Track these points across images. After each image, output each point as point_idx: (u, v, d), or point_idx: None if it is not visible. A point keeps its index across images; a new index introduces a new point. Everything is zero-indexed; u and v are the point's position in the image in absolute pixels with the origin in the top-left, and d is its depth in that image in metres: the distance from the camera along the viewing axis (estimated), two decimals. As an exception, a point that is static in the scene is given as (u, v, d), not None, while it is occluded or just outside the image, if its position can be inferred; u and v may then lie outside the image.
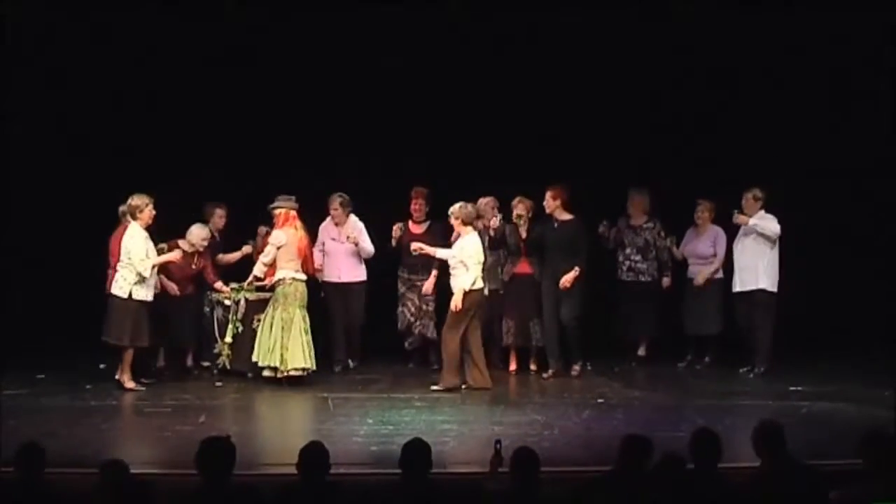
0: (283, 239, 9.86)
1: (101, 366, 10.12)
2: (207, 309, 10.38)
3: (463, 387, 9.70)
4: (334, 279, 10.60)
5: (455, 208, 9.78)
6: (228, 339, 10.18)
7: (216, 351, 10.26)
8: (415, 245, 10.10)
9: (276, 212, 9.94)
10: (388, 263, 10.74)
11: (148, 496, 5.19)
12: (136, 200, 9.62)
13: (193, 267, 10.31)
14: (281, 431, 8.44)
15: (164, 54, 11.08)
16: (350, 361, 10.67)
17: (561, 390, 9.78)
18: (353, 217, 10.55)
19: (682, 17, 10.76)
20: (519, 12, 10.98)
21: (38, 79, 10.98)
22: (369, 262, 10.68)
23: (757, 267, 10.26)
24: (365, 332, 10.78)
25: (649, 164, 11.30)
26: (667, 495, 5.28)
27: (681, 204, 10.84)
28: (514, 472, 5.40)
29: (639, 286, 10.77)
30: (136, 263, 9.52)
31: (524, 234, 10.37)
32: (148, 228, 9.69)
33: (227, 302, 10.24)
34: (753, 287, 10.28)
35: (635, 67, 11.32)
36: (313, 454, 5.36)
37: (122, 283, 9.57)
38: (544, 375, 10.29)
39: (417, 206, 10.60)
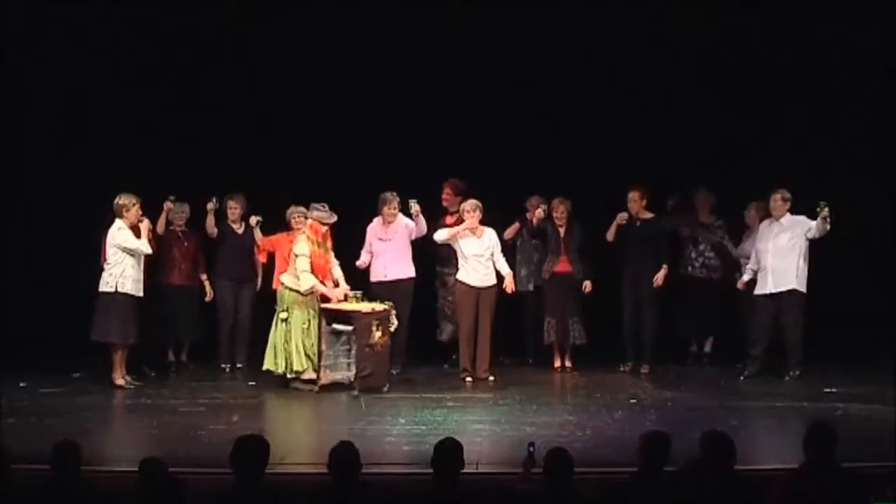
0: None
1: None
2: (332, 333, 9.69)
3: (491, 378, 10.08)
4: (381, 278, 10.56)
5: (478, 205, 10.09)
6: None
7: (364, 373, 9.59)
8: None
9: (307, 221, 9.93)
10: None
11: (183, 494, 5.22)
12: (123, 199, 9.63)
13: (185, 245, 10.58)
14: (313, 431, 8.45)
15: (174, 49, 11.17)
16: (392, 370, 10.29)
17: (594, 391, 9.75)
18: (400, 215, 10.54)
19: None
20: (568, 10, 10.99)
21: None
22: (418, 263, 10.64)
23: (794, 268, 10.12)
24: (415, 336, 10.65)
25: (705, 164, 11.29)
26: (691, 497, 5.25)
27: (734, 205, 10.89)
28: (547, 472, 5.39)
29: (710, 283, 10.93)
30: (140, 245, 9.51)
31: (563, 233, 10.57)
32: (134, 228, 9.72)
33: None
34: (785, 288, 10.15)
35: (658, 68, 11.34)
36: (344, 454, 5.37)
37: (108, 279, 9.56)
38: (622, 369, 10.55)
39: (447, 197, 10.67)
